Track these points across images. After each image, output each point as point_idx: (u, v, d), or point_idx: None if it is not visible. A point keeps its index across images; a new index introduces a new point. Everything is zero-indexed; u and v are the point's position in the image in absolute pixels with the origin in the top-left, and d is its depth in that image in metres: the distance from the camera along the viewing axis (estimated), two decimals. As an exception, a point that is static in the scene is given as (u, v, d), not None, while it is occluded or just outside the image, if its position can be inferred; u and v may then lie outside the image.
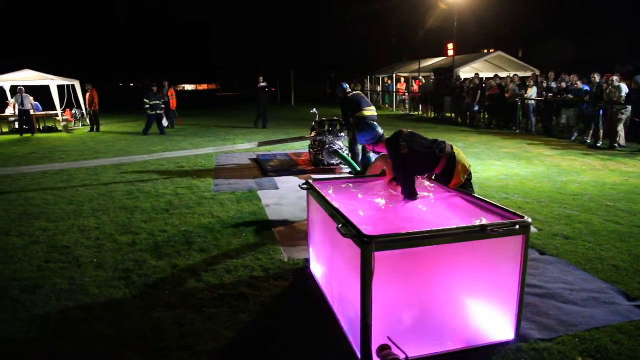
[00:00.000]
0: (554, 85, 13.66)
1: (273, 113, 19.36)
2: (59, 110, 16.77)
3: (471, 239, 2.60)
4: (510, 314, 2.82)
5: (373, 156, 5.96)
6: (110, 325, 3.12)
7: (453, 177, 3.67)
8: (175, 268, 4.05)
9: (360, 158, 8.00)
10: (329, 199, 3.19)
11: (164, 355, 2.78)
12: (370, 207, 3.58)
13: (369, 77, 30.00)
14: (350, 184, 4.04)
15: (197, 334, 3.01)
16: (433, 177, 3.94)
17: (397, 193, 3.75)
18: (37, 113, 15.79)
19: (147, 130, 14.31)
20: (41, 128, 16.06)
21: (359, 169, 7.32)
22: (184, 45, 66.33)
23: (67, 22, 52.56)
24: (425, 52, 26.23)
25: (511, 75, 15.75)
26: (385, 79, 27.58)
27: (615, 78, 10.69)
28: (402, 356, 2.43)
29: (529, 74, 18.05)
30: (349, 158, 7.87)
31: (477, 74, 16.54)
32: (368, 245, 2.39)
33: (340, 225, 2.64)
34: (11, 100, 16.05)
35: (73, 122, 17.00)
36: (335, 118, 9.07)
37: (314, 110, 10.08)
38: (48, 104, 17.05)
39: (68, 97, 17.81)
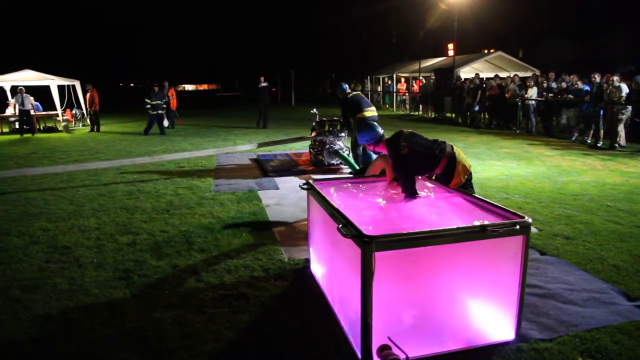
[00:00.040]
0: (554, 85, 13.66)
1: (273, 113, 19.37)
2: (59, 110, 16.79)
3: (471, 239, 2.60)
4: (511, 314, 2.82)
5: (374, 156, 5.96)
6: (111, 326, 3.12)
7: (453, 177, 3.67)
8: (175, 268, 4.05)
9: (361, 159, 8.00)
10: (329, 199, 3.19)
11: (165, 355, 2.78)
12: (371, 207, 3.58)
13: (369, 77, 30.01)
14: (351, 184, 4.04)
15: (198, 334, 3.01)
16: (433, 177, 3.94)
17: (397, 193, 3.75)
18: (37, 113, 15.80)
19: (148, 130, 14.32)
20: (41, 128, 16.06)
21: (358, 167, 7.32)
22: (184, 45, 66.39)
23: (67, 22, 52.58)
24: (426, 52, 26.24)
25: (511, 75, 15.76)
26: (386, 79, 27.59)
27: (615, 78, 10.69)
28: (403, 356, 2.43)
29: (529, 74, 18.06)
30: (349, 158, 7.87)
31: (477, 74, 16.54)
32: (368, 246, 2.39)
33: (341, 226, 2.64)
34: (11, 100, 16.06)
35: (73, 122, 17.02)
36: (335, 118, 9.07)
37: (314, 110, 10.09)
38: (48, 104, 17.07)
39: (68, 97, 17.82)
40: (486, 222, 2.73)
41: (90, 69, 43.86)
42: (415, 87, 22.56)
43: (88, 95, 15.39)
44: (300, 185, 3.82)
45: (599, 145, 10.77)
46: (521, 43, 33.76)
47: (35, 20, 49.59)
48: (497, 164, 8.77)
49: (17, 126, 15.35)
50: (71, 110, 17.38)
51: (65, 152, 11.02)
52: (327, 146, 8.33)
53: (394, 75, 25.45)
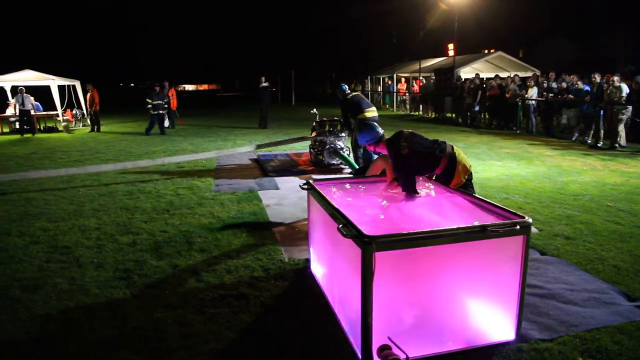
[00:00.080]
0: (554, 85, 13.67)
1: (274, 113, 19.37)
2: (59, 111, 16.79)
3: (472, 239, 2.60)
4: (511, 314, 2.82)
5: (375, 156, 5.96)
6: (111, 326, 3.12)
7: (453, 177, 3.67)
8: (175, 268, 4.06)
9: (361, 159, 8.00)
10: (329, 199, 3.19)
11: (165, 355, 2.78)
12: (371, 207, 3.58)
13: (369, 77, 30.01)
14: (351, 184, 4.04)
15: (198, 334, 3.01)
16: (433, 178, 3.94)
17: (398, 193, 3.75)
18: (37, 113, 15.81)
19: (149, 130, 14.32)
20: (42, 128, 16.07)
21: (357, 167, 7.32)
22: (184, 45, 66.40)
23: (67, 22, 52.59)
24: (426, 52, 26.24)
25: (512, 76, 15.75)
26: (386, 79, 27.59)
27: (615, 78, 10.69)
28: (403, 356, 2.43)
29: (529, 74, 18.05)
30: (349, 158, 7.87)
31: (477, 74, 16.53)
32: (368, 246, 2.39)
33: (341, 226, 2.64)
34: (12, 101, 16.06)
35: (74, 122, 17.02)
36: (335, 118, 9.07)
37: (314, 110, 10.09)
38: (49, 104, 17.08)
39: (68, 97, 17.83)
40: (486, 222, 2.73)
41: (90, 69, 43.90)
42: (416, 87, 22.56)
43: (88, 95, 15.40)
44: (300, 185, 3.82)
45: (599, 145, 10.77)
46: (521, 43, 33.76)
47: (36, 20, 49.65)
48: (498, 164, 8.76)
49: (17, 126, 15.35)
50: (71, 110, 17.39)
51: (66, 152, 11.02)
52: (328, 146, 8.33)
53: (394, 76, 25.45)
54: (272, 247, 4.50)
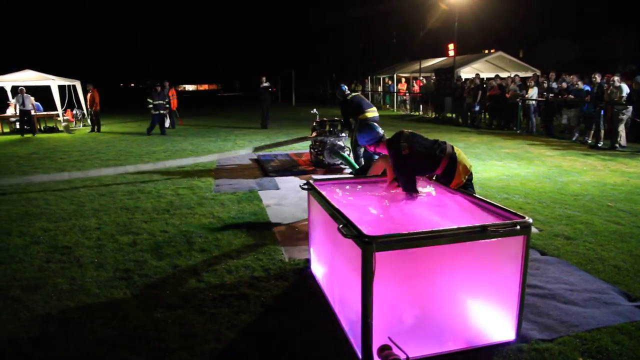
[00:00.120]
0: (554, 85, 13.66)
1: (274, 113, 19.36)
2: (59, 111, 16.80)
3: (472, 239, 2.60)
4: (511, 314, 2.82)
5: (376, 156, 5.96)
6: (111, 326, 3.12)
7: (454, 177, 3.67)
8: (176, 268, 4.06)
9: (362, 160, 8.00)
10: (329, 199, 3.19)
11: (165, 355, 2.78)
12: (371, 207, 3.58)
13: (369, 78, 30.01)
14: (351, 184, 4.04)
15: (198, 334, 3.01)
16: (434, 178, 3.94)
17: (398, 193, 3.75)
18: (38, 113, 15.82)
19: (150, 130, 14.33)
20: (42, 128, 16.08)
21: (357, 167, 7.32)
22: (184, 45, 66.41)
23: (67, 22, 52.60)
24: (426, 52, 26.24)
25: (512, 76, 15.75)
26: (386, 79, 27.59)
27: (616, 78, 10.69)
28: (403, 356, 2.43)
29: (529, 74, 18.05)
30: (349, 158, 7.86)
31: (477, 74, 16.54)
32: (369, 246, 2.39)
33: (341, 226, 2.64)
34: (12, 101, 16.07)
35: (74, 122, 17.03)
36: (335, 118, 9.07)
37: (314, 110, 10.08)
38: (49, 104, 17.08)
39: (69, 97, 17.83)
40: (487, 222, 2.73)
41: (90, 69, 43.88)
42: (416, 88, 22.56)
43: (89, 95, 15.41)
44: (300, 186, 3.82)
45: (599, 145, 10.76)
46: (521, 43, 33.74)
47: (36, 20, 49.65)
48: (498, 164, 8.76)
49: (17, 126, 15.37)
50: (72, 110, 17.39)
51: (66, 152, 11.02)
52: (328, 146, 8.33)
53: (395, 76, 25.46)
54: (273, 247, 4.50)
